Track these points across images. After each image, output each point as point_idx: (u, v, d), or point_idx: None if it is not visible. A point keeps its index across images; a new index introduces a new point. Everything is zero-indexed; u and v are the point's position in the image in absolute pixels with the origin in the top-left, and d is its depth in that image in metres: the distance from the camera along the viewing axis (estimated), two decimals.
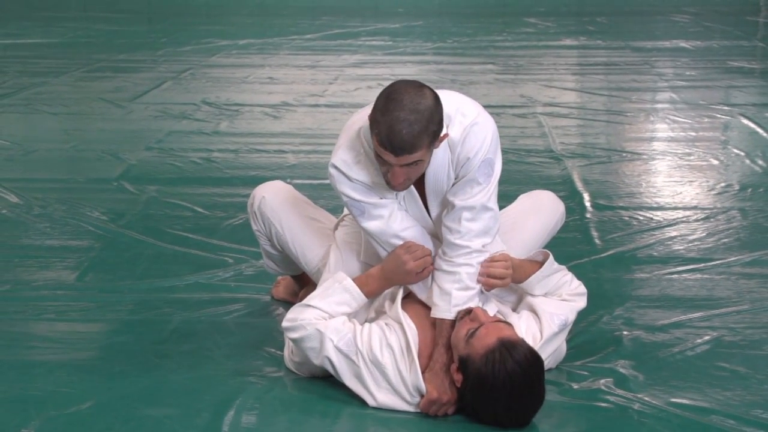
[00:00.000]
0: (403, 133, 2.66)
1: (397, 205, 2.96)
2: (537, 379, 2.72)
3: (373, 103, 2.75)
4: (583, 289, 3.11)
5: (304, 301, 2.96)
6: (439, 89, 2.89)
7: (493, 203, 2.93)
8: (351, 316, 2.96)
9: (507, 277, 2.96)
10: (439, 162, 2.85)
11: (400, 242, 2.96)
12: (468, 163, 2.85)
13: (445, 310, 2.90)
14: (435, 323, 2.92)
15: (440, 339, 2.88)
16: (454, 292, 2.90)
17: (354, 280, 2.97)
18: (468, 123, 2.84)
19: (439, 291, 2.92)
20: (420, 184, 2.93)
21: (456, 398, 2.80)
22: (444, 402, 2.81)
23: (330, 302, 2.93)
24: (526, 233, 3.28)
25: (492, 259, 2.94)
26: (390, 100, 2.69)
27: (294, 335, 2.91)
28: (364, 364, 2.84)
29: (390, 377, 2.83)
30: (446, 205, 2.94)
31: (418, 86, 2.72)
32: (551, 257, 3.06)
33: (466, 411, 2.80)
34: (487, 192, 2.89)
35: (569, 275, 3.11)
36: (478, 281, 2.93)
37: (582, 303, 3.09)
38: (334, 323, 2.89)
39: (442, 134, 2.76)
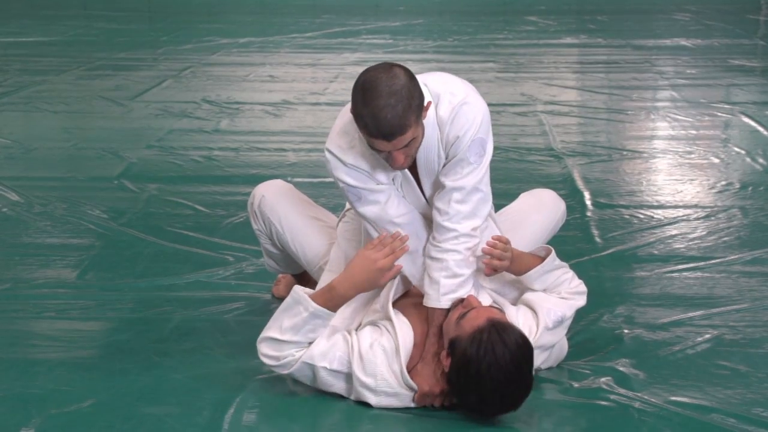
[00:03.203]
0: (388, 119, 2.66)
1: (394, 190, 2.95)
2: (525, 364, 2.68)
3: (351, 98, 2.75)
4: (583, 288, 3.10)
5: (276, 335, 2.86)
6: (431, 71, 2.93)
7: (484, 185, 2.91)
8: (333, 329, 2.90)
9: (505, 260, 2.94)
10: (429, 141, 2.85)
11: (396, 229, 2.93)
12: (458, 142, 2.84)
13: (434, 299, 2.90)
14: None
15: (431, 328, 2.88)
16: (442, 281, 2.89)
17: (313, 298, 2.85)
18: (457, 102, 2.84)
19: (429, 280, 2.92)
20: (413, 166, 2.92)
21: (448, 388, 2.79)
22: (436, 393, 2.81)
23: (303, 333, 2.85)
24: (527, 232, 3.27)
25: (493, 239, 2.93)
26: (366, 91, 2.69)
27: (284, 371, 2.88)
28: (362, 373, 2.83)
29: (387, 380, 2.82)
30: (439, 186, 2.94)
31: (387, 68, 2.72)
32: (553, 253, 3.05)
33: (454, 396, 2.78)
34: (478, 173, 2.88)
35: (570, 273, 3.11)
36: (479, 261, 2.92)
37: (581, 301, 3.08)
38: (319, 348, 2.84)
39: (425, 103, 2.76)
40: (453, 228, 2.89)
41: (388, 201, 2.94)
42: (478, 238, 2.93)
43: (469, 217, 2.90)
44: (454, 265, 2.90)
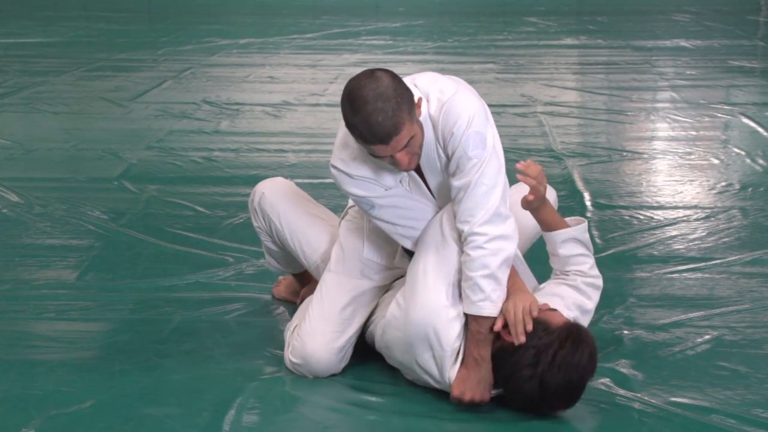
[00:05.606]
0: (381, 122, 2.66)
1: (403, 191, 2.94)
2: (593, 371, 2.80)
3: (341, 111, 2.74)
4: (600, 282, 3.07)
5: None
6: (428, 71, 2.95)
7: (489, 179, 2.81)
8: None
9: (541, 184, 2.93)
10: (427, 140, 2.84)
11: (415, 232, 2.94)
12: (453, 139, 2.81)
13: (469, 304, 2.82)
14: None
15: (470, 333, 2.82)
16: (465, 292, 2.83)
17: None
18: (446, 99, 2.83)
19: (464, 285, 2.84)
20: (417, 167, 2.91)
21: (481, 397, 2.80)
22: (466, 400, 2.81)
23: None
24: (521, 223, 3.23)
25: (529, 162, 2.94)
26: (353, 100, 2.69)
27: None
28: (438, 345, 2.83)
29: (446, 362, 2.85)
30: (447, 187, 2.91)
31: (369, 74, 2.73)
32: (586, 224, 3.06)
33: (508, 376, 2.79)
34: (479, 168, 2.80)
35: (592, 259, 3.09)
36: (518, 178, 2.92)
37: (593, 300, 3.08)
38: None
39: (416, 99, 2.75)
40: (466, 229, 2.83)
41: (403, 203, 2.93)
42: (501, 233, 2.82)
43: (479, 214, 2.81)
44: (476, 277, 2.80)
